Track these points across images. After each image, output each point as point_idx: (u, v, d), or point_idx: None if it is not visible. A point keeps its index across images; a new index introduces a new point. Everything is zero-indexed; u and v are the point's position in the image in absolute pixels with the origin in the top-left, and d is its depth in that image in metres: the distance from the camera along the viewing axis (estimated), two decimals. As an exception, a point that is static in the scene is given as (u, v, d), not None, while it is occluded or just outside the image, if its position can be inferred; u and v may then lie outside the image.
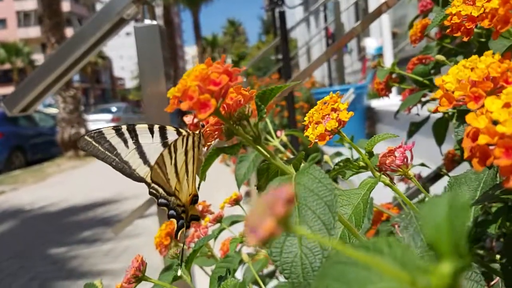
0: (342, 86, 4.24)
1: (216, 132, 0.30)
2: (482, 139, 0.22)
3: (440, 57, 0.59)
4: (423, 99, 0.83)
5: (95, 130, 0.45)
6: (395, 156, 0.37)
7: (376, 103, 4.19)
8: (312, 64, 1.13)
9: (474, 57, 0.27)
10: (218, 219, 0.60)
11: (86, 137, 0.45)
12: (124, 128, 0.45)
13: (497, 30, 0.31)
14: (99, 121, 12.22)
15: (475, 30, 0.59)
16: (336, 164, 0.41)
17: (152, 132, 0.45)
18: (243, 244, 0.87)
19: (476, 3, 0.39)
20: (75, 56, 1.08)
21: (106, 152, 0.45)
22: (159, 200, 0.43)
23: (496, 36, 0.32)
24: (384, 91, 0.80)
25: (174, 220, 0.43)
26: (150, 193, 0.43)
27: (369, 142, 0.37)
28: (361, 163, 0.38)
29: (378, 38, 5.26)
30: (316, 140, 0.34)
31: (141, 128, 0.45)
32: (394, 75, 0.81)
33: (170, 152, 0.39)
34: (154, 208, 1.27)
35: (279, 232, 0.13)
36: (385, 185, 0.37)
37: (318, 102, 0.41)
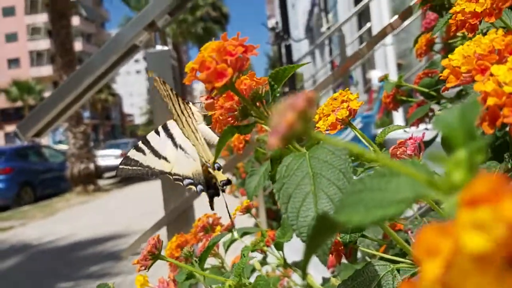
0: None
1: (230, 119, 0.31)
2: (491, 101, 0.22)
3: (445, 61, 0.60)
4: (430, 114, 0.84)
5: (123, 158, 0.54)
6: (406, 147, 0.38)
7: (384, 132, 4.20)
8: (319, 86, 1.15)
9: (478, 36, 0.28)
10: (230, 228, 0.60)
11: (120, 166, 0.54)
12: (140, 143, 0.53)
13: (499, 7, 0.32)
14: (108, 156, 12.34)
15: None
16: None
17: (158, 133, 0.53)
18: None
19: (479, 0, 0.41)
20: (90, 81, 1.11)
21: (134, 167, 0.53)
22: (185, 181, 0.50)
23: (497, 16, 0.33)
24: (392, 104, 0.81)
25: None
26: (175, 179, 0.51)
27: (380, 134, 0.38)
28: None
29: (384, 71, 5.33)
30: (327, 131, 0.35)
31: (151, 136, 0.54)
32: (401, 89, 0.82)
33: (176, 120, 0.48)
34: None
35: (299, 126, 0.13)
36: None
37: (328, 99, 0.42)
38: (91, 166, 9.61)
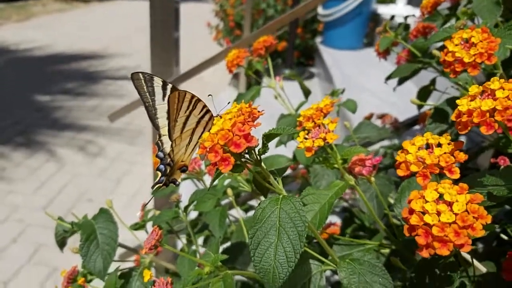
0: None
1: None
2: (414, 219, 0.31)
3: (436, 53, 0.63)
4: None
5: (149, 73, 0.51)
6: (364, 166, 0.45)
7: (383, 9, 4.06)
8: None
9: (436, 137, 0.34)
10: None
11: (140, 74, 0.50)
12: (169, 86, 0.50)
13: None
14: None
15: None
16: (316, 154, 0.50)
17: (164, 88, 0.50)
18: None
19: (470, 51, 0.45)
20: None
21: (147, 93, 0.50)
22: (158, 152, 0.49)
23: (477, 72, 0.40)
24: (383, 54, 0.84)
25: (159, 173, 0.49)
26: (156, 143, 0.50)
27: (346, 151, 0.45)
28: (335, 165, 0.46)
29: None
30: (304, 149, 0.42)
31: (157, 89, 0.50)
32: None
33: (190, 101, 0.45)
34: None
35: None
36: (349, 186, 0.46)
37: (313, 105, 0.47)
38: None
